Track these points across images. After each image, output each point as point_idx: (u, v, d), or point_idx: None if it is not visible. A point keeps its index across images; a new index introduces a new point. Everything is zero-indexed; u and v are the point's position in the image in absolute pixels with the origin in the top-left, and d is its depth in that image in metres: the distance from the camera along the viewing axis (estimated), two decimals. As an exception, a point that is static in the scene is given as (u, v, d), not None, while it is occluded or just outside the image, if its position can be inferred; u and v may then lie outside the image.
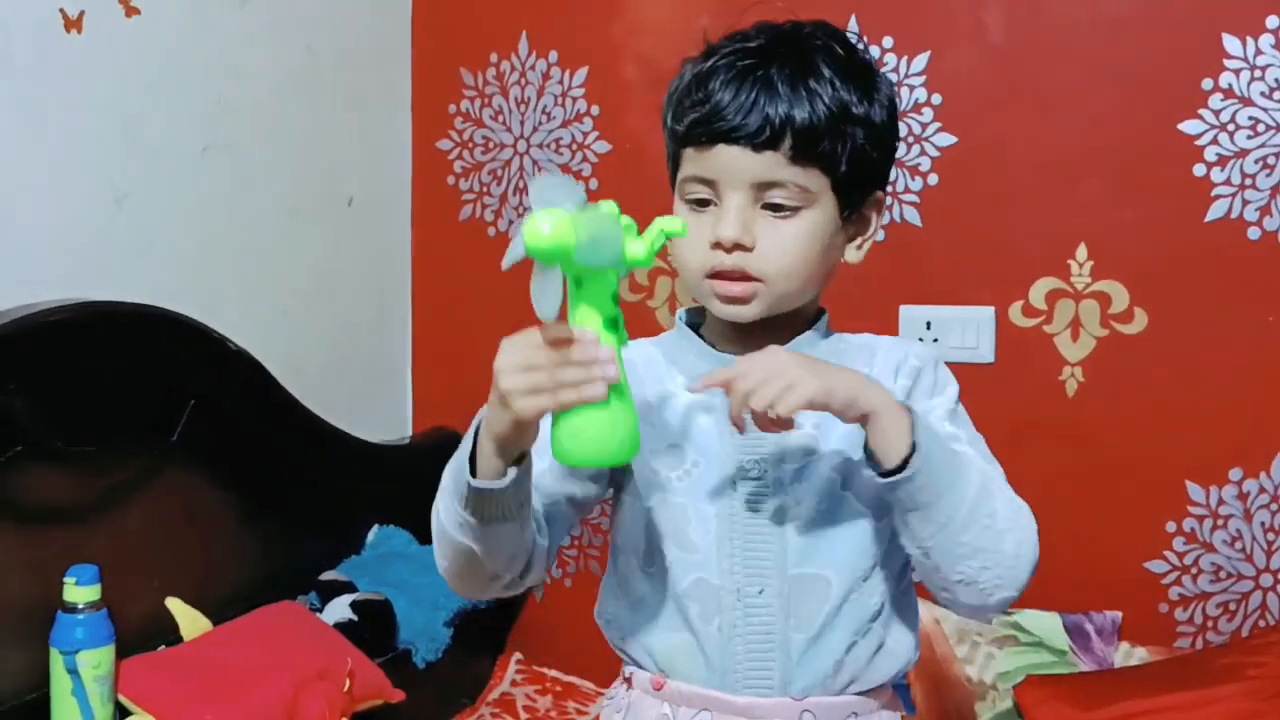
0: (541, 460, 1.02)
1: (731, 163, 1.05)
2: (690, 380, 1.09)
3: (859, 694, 1.09)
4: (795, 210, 1.06)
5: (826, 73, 1.05)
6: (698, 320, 1.16)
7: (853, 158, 1.07)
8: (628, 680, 1.14)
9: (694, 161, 1.07)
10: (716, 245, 1.05)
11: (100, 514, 1.76)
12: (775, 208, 1.06)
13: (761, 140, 1.04)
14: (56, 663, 1.61)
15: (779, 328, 1.10)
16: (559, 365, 0.89)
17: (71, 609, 1.62)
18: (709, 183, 1.06)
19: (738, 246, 1.04)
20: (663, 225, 0.95)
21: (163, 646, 1.79)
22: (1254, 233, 1.99)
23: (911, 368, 1.10)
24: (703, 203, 1.07)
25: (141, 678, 1.68)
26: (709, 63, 1.08)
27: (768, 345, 1.05)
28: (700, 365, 1.11)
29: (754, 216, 1.05)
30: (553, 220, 0.83)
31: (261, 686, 1.70)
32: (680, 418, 1.10)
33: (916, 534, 1.00)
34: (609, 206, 0.93)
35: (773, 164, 1.04)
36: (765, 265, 1.05)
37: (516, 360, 0.90)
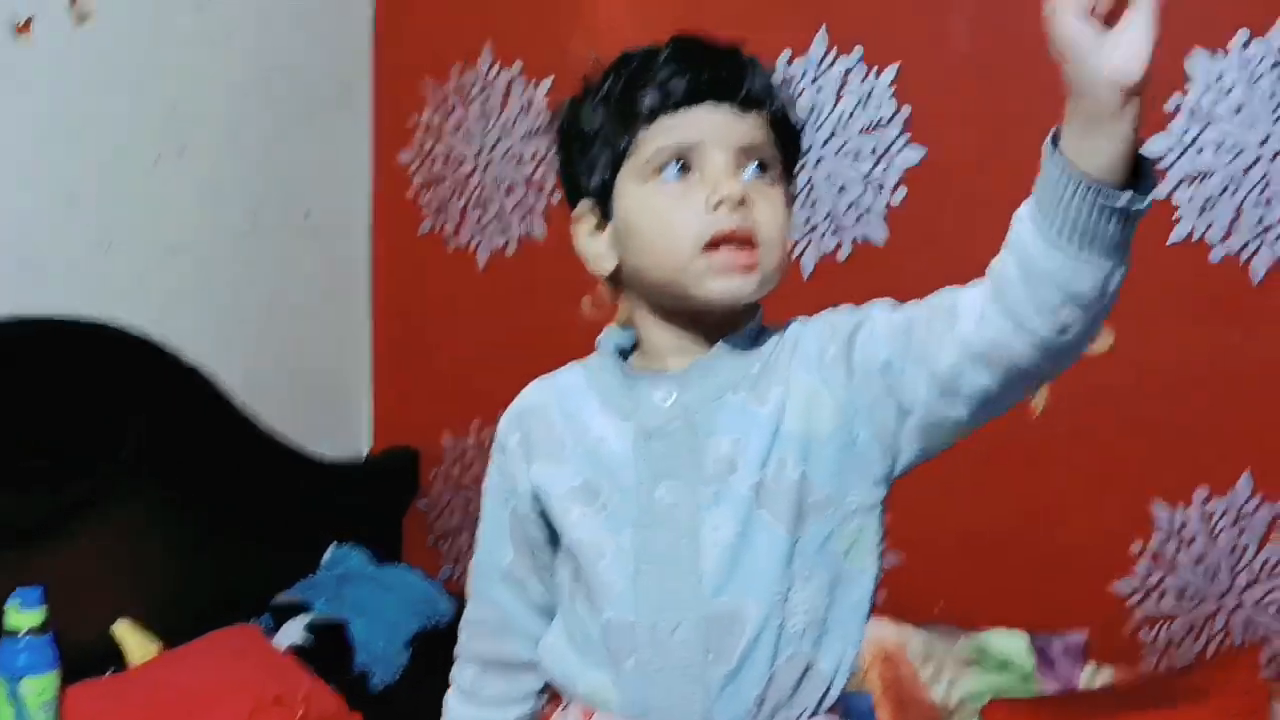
0: (505, 555, 1.11)
1: (717, 122, 0.99)
2: (604, 403, 1.05)
3: None
4: (775, 179, 1.02)
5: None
6: (624, 342, 1.10)
7: (793, 146, 1.05)
8: (565, 708, 1.12)
9: (667, 131, 0.99)
10: (718, 206, 0.97)
11: (46, 535, 1.73)
12: (759, 171, 1.00)
13: (748, 99, 1.00)
14: (-2, 690, 1.57)
15: (718, 327, 1.03)
16: None
17: (14, 634, 1.58)
18: (687, 149, 0.99)
19: (743, 203, 0.97)
20: None
21: (111, 671, 1.75)
22: (1217, 254, 1.99)
23: (833, 355, 0.99)
24: (681, 170, 0.99)
25: (88, 705, 1.64)
26: (647, 52, 1.04)
27: (698, 355, 1.02)
28: (613, 385, 1.06)
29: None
30: None
31: (213, 713, 1.67)
32: (592, 449, 1.05)
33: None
34: None
35: (756, 127, 1.00)
36: (762, 228, 0.99)
37: None
